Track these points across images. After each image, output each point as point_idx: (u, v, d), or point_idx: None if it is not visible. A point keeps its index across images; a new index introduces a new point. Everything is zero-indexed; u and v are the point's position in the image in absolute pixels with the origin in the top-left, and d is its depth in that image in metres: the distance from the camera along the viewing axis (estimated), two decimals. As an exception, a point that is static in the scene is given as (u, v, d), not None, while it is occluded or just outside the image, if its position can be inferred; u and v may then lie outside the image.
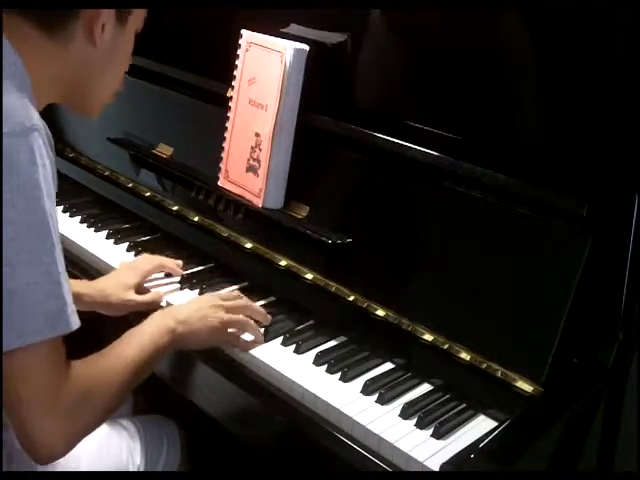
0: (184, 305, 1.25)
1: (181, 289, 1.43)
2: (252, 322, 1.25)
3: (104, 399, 1.00)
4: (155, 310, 1.21)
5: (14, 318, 0.88)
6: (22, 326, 0.89)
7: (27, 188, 0.88)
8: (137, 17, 1.07)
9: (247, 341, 1.24)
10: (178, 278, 1.46)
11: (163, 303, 1.39)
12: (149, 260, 1.45)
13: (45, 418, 0.92)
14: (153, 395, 1.48)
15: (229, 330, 1.23)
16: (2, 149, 0.87)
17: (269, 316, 1.30)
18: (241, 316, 1.24)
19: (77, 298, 1.32)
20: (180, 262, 1.48)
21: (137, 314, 1.42)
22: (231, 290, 1.42)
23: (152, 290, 1.42)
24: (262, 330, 1.27)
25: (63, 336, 0.93)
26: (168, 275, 1.47)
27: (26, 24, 0.97)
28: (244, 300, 1.28)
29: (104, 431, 1.22)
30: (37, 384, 0.91)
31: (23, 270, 0.88)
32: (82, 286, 1.35)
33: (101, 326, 1.52)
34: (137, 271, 1.41)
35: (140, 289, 1.40)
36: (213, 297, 1.27)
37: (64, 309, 0.91)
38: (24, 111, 0.91)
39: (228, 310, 1.23)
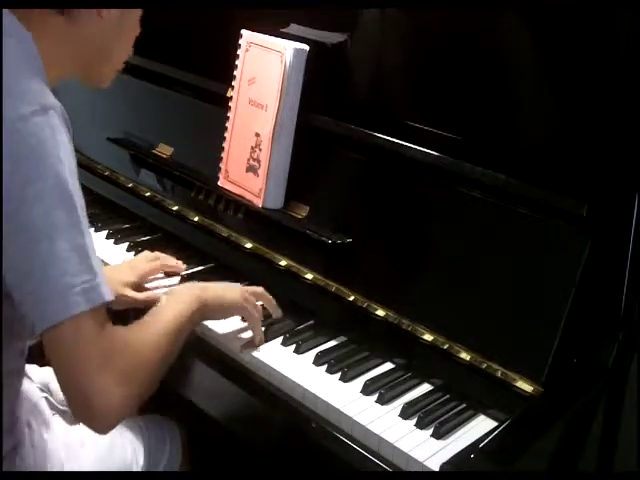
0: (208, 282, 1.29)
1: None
2: (266, 295, 1.30)
3: (148, 365, 1.02)
4: (149, 308, 1.22)
5: (53, 291, 0.90)
6: (59, 300, 0.90)
7: (51, 164, 0.90)
8: None
9: (258, 325, 1.26)
10: (178, 278, 1.46)
11: (145, 284, 1.43)
12: (149, 260, 1.45)
13: (101, 379, 0.93)
14: (155, 396, 1.48)
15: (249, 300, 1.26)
16: (2, 132, 0.89)
17: (280, 311, 1.32)
18: (259, 288, 1.30)
19: None
20: (181, 263, 1.49)
21: (136, 311, 1.43)
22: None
23: (151, 289, 1.41)
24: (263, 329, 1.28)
25: (105, 304, 0.95)
26: (168, 275, 1.47)
27: None
28: (260, 288, 1.32)
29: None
30: (88, 351, 0.93)
31: (59, 244, 0.90)
32: None
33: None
34: (136, 271, 1.41)
35: (138, 288, 1.40)
36: (236, 284, 1.32)
37: (96, 281, 0.93)
38: (40, 92, 0.94)
39: (249, 291, 1.28)
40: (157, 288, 1.43)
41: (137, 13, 1.10)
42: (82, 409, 0.96)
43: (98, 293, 0.93)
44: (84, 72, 1.10)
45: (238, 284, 1.30)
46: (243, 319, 1.30)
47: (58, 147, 0.92)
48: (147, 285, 1.43)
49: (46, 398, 1.22)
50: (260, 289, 1.31)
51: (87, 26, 1.03)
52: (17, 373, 1.08)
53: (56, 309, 0.90)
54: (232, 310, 1.26)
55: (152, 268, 1.44)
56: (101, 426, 0.98)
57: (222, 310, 1.24)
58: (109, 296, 0.95)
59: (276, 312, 1.31)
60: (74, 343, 0.92)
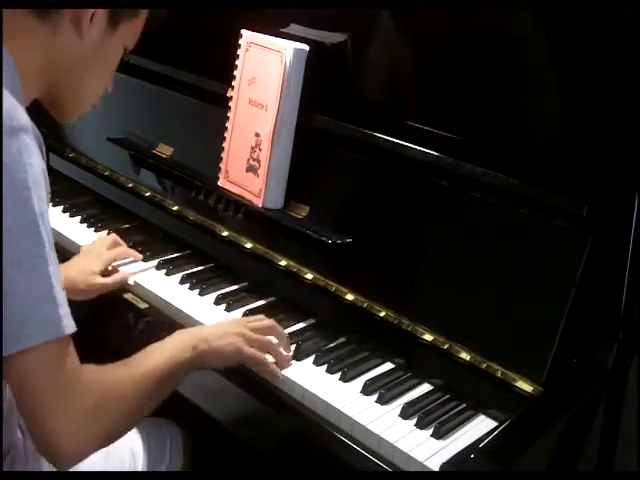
0: (208, 325, 1.25)
1: (180, 288, 1.43)
2: (275, 344, 1.20)
3: (121, 406, 0.99)
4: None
5: (11, 322, 0.87)
6: (18, 330, 0.87)
7: (15, 189, 0.86)
8: (129, 29, 1.04)
9: (270, 363, 1.18)
10: (179, 277, 1.46)
11: (131, 282, 1.44)
12: (110, 246, 1.48)
13: (59, 419, 0.91)
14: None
15: (251, 350, 1.17)
16: (2, 149, 0.86)
17: (291, 347, 1.24)
18: (265, 337, 1.19)
19: None
20: (138, 255, 1.52)
21: (136, 313, 1.43)
22: (231, 290, 1.42)
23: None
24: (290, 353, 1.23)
25: (69, 338, 0.92)
26: (168, 274, 1.47)
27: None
28: (270, 321, 1.24)
29: None
30: (45, 386, 0.90)
31: (17, 273, 0.87)
32: None
33: (102, 328, 1.53)
34: (101, 258, 1.44)
35: (105, 272, 1.43)
36: (238, 319, 1.26)
37: (57, 313, 0.89)
38: (12, 110, 0.89)
39: (252, 330, 1.19)
40: (157, 286, 1.44)
41: (117, 52, 1.05)
42: (40, 445, 0.93)
43: (58, 326, 0.89)
44: (51, 97, 1.05)
45: (242, 323, 1.20)
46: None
47: (25, 172, 0.87)
48: (147, 286, 1.43)
49: None
50: (268, 323, 1.22)
51: (65, 42, 0.98)
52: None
53: (11, 339, 0.87)
54: (233, 360, 1.17)
55: (116, 253, 1.47)
56: (60, 463, 0.95)
57: (221, 361, 1.16)
58: (70, 329, 0.91)
59: (287, 348, 1.22)
60: (30, 377, 0.89)
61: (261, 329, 1.20)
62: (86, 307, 1.56)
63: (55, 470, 1.12)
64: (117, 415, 0.98)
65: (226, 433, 1.28)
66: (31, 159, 0.88)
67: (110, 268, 1.46)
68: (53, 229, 1.71)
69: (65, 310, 0.90)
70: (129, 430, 1.04)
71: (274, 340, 1.21)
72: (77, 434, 0.92)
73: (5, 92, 0.90)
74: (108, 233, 1.63)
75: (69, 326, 0.90)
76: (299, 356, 1.23)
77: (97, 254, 1.44)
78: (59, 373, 0.90)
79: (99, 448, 0.98)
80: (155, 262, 1.52)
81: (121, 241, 1.52)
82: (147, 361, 1.05)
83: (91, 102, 1.09)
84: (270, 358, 1.18)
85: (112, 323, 1.56)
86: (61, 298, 0.90)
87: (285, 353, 1.21)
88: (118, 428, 1.01)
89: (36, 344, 0.87)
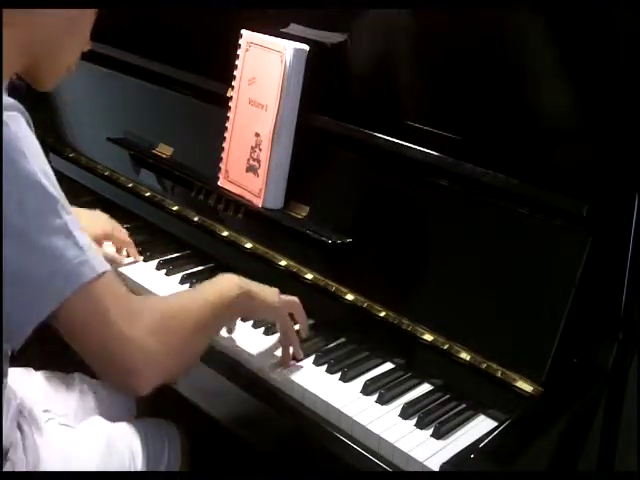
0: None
1: (180, 288, 1.43)
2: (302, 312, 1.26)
3: (182, 330, 1.02)
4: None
5: (46, 278, 0.89)
6: (55, 282, 0.90)
7: (9, 159, 0.88)
8: None
9: (295, 337, 1.23)
10: (179, 277, 1.46)
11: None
12: (110, 221, 1.52)
13: (129, 346, 0.94)
14: (154, 398, 1.48)
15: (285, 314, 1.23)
16: (2, 139, 0.87)
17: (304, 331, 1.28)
18: (295, 298, 1.25)
19: None
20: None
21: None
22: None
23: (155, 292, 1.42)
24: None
25: (108, 275, 0.94)
26: (168, 274, 1.47)
27: None
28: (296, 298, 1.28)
29: (105, 435, 1.21)
30: (105, 322, 0.93)
31: (38, 233, 0.89)
32: None
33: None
34: (103, 229, 1.48)
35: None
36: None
37: (86, 255, 0.92)
38: None
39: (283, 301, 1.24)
40: (157, 286, 1.44)
41: (90, 15, 1.06)
42: (119, 376, 0.97)
43: (90, 266, 0.92)
44: (32, 69, 1.05)
45: (276, 291, 1.25)
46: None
47: (17, 140, 0.89)
48: (147, 286, 1.44)
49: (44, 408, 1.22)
50: (295, 299, 1.26)
51: (38, 16, 0.99)
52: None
53: (49, 297, 0.90)
54: (271, 313, 1.23)
55: (118, 237, 1.51)
56: (144, 385, 0.98)
57: (261, 308, 1.21)
58: (103, 267, 0.93)
59: (304, 331, 1.27)
60: (87, 317, 0.92)
61: (291, 303, 1.25)
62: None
63: (55, 470, 1.13)
64: (180, 336, 1.02)
65: (225, 433, 1.28)
66: (20, 130, 0.90)
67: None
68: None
69: (93, 252, 0.93)
70: (189, 363, 1.07)
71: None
72: (150, 351, 0.96)
73: None
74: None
75: (101, 266, 0.93)
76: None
77: (99, 223, 1.48)
78: (110, 307, 0.93)
79: (170, 375, 1.02)
80: (155, 262, 1.52)
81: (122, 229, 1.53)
82: (200, 294, 1.10)
83: (69, 66, 1.09)
84: None
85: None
86: (86, 242, 0.93)
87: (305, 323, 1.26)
88: (183, 350, 1.03)
89: (74, 290, 0.90)
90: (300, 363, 1.22)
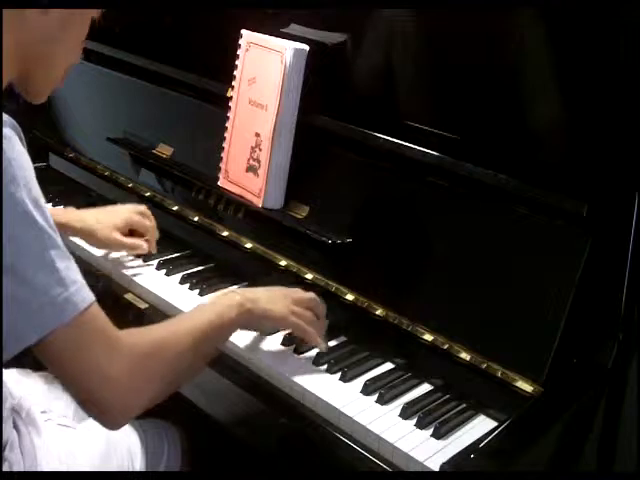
0: (256, 289, 1.26)
1: (180, 288, 1.43)
2: (316, 323, 1.23)
3: (165, 364, 1.01)
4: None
5: (28, 310, 0.89)
6: (37, 318, 0.89)
7: (5, 186, 0.86)
8: None
9: (314, 334, 1.20)
10: (179, 277, 1.46)
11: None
12: (136, 207, 1.52)
13: (108, 383, 0.93)
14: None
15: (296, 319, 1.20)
16: (2, 150, 0.87)
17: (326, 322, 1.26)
18: (307, 313, 1.22)
19: (64, 226, 1.38)
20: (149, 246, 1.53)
21: (136, 313, 1.43)
22: (232, 289, 1.42)
23: (150, 288, 1.42)
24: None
25: (92, 308, 0.93)
26: (168, 274, 1.47)
27: None
28: (312, 294, 1.26)
29: (104, 436, 1.21)
30: (85, 357, 0.92)
31: (23, 264, 0.88)
32: (71, 216, 1.46)
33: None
34: (124, 215, 1.48)
35: (125, 234, 1.47)
36: (285, 288, 1.27)
37: (69, 292, 0.90)
38: None
39: (295, 302, 1.22)
40: (156, 285, 1.44)
41: (84, 24, 1.04)
42: (94, 410, 0.96)
43: (72, 305, 0.90)
44: (24, 79, 1.03)
45: (287, 293, 1.23)
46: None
47: (10, 166, 0.87)
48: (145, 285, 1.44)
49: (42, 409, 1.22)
50: (311, 296, 1.24)
51: (31, 19, 0.97)
52: None
53: (33, 327, 0.89)
54: (279, 324, 1.22)
55: (141, 220, 1.50)
56: (116, 423, 0.98)
57: (267, 324, 1.20)
58: (86, 302, 0.92)
59: (322, 345, 1.23)
60: (64, 355, 0.91)
61: (304, 301, 1.23)
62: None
63: (55, 470, 1.12)
64: (163, 372, 1.00)
65: (225, 433, 1.28)
66: (13, 152, 0.88)
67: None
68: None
69: (77, 286, 0.91)
70: (177, 387, 1.06)
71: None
72: (126, 392, 0.95)
73: None
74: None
75: (84, 301, 0.92)
76: (299, 355, 1.24)
77: (122, 213, 1.48)
78: (92, 342, 0.92)
79: (149, 405, 1.00)
80: (155, 262, 1.52)
81: (150, 216, 1.53)
82: (190, 320, 1.08)
83: (61, 77, 1.07)
84: None
85: (112, 323, 1.55)
86: (70, 276, 0.91)
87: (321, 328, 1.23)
88: (166, 383, 1.02)
89: (54, 329, 0.89)
90: (300, 363, 1.22)
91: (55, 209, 1.66)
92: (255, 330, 1.23)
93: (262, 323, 1.20)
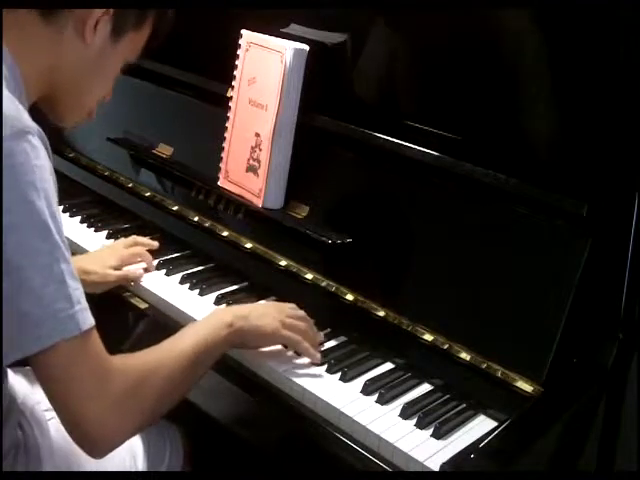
0: (244, 305, 1.27)
1: (180, 288, 1.43)
2: (308, 330, 1.23)
3: (154, 391, 1.00)
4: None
5: (28, 321, 0.88)
6: (35, 329, 0.88)
7: (24, 192, 0.87)
8: (132, 40, 1.05)
9: (307, 346, 1.21)
10: (179, 277, 1.46)
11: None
12: (128, 245, 1.49)
13: (95, 408, 0.93)
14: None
15: (288, 332, 1.20)
16: (2, 152, 0.87)
17: (321, 335, 1.26)
18: (300, 323, 1.22)
19: None
20: (156, 244, 1.52)
21: (136, 313, 1.43)
22: (231, 290, 1.42)
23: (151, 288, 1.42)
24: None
25: (91, 331, 0.93)
26: (168, 274, 1.47)
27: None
28: (303, 313, 1.26)
29: None
30: (72, 380, 0.92)
31: (32, 274, 0.88)
32: None
33: (102, 328, 1.52)
34: (117, 253, 1.45)
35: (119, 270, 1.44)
36: (278, 303, 1.28)
37: (72, 311, 0.90)
38: (16, 113, 0.90)
39: (288, 316, 1.22)
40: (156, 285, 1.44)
41: (118, 62, 1.06)
42: (75, 434, 0.96)
43: (74, 324, 0.90)
44: (50, 100, 1.05)
45: (280, 307, 1.24)
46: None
47: (33, 173, 0.88)
48: (147, 286, 1.44)
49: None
50: (302, 313, 1.25)
51: (68, 46, 0.99)
52: None
53: (31, 339, 0.88)
54: (271, 339, 1.21)
55: (132, 253, 1.47)
56: (95, 452, 0.98)
57: (259, 340, 1.20)
58: (86, 325, 0.91)
59: (316, 345, 1.23)
60: (56, 372, 0.91)
61: (295, 317, 1.23)
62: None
63: (55, 470, 1.13)
64: (151, 401, 1.00)
65: (226, 433, 1.28)
66: (38, 160, 0.89)
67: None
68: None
69: (81, 306, 0.91)
70: (166, 411, 1.05)
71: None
72: (109, 423, 0.94)
73: (10, 95, 0.91)
74: (108, 233, 1.63)
75: (86, 322, 0.92)
76: (299, 356, 1.23)
77: (115, 250, 1.47)
78: (84, 366, 0.92)
79: (135, 433, 1.01)
80: (155, 262, 1.52)
81: (143, 240, 1.52)
82: (181, 343, 1.07)
83: (88, 109, 1.09)
84: None
85: (112, 323, 1.55)
86: (76, 295, 0.91)
87: (316, 340, 1.24)
88: (153, 412, 1.02)
89: (54, 343, 0.89)
90: (300, 363, 1.22)
91: None
92: (249, 347, 1.21)
93: (254, 340, 1.19)
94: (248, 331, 1.16)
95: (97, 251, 1.50)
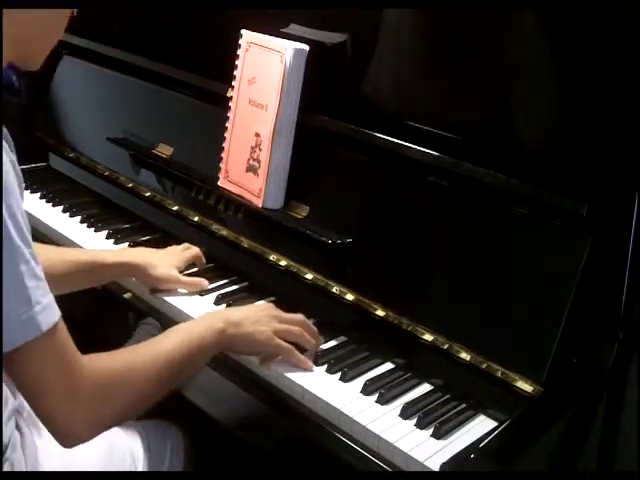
0: (238, 309, 1.26)
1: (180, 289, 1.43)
2: (304, 335, 1.21)
3: (129, 392, 1.00)
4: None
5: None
6: (6, 330, 0.87)
7: None
8: None
9: (298, 357, 1.19)
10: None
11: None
12: (180, 247, 1.49)
13: (64, 407, 0.92)
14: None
15: (279, 341, 1.19)
16: (2, 157, 0.86)
17: (321, 340, 1.25)
18: (295, 327, 1.21)
19: (122, 265, 1.37)
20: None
21: (136, 314, 1.43)
22: (231, 290, 1.42)
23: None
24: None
25: (57, 329, 0.91)
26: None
27: None
28: (301, 316, 1.24)
29: (106, 437, 1.21)
30: (43, 380, 0.91)
31: None
32: (132, 255, 1.43)
33: (102, 328, 1.53)
34: (178, 255, 1.45)
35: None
36: (271, 307, 1.25)
37: (33, 312, 0.88)
38: None
39: (282, 321, 1.21)
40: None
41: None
42: (47, 428, 0.96)
43: (35, 325, 0.88)
44: (20, 56, 0.99)
45: (275, 314, 1.22)
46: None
47: None
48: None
49: None
50: (299, 317, 1.23)
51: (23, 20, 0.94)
52: None
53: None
54: (263, 349, 1.19)
55: (194, 254, 1.47)
56: (66, 446, 0.97)
57: (250, 347, 1.19)
58: (47, 325, 0.89)
59: (316, 344, 1.23)
60: (25, 372, 0.90)
61: (292, 321, 1.22)
62: (86, 307, 1.56)
63: (55, 470, 1.12)
64: (123, 399, 0.99)
65: (226, 433, 1.28)
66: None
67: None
68: (53, 229, 1.72)
69: (43, 305, 0.89)
70: (146, 408, 1.04)
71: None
72: (78, 421, 0.94)
73: None
74: (108, 233, 1.63)
75: (45, 322, 0.90)
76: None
77: (176, 253, 1.46)
78: (51, 366, 0.91)
79: (109, 428, 1.00)
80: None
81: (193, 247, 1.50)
82: (163, 346, 1.06)
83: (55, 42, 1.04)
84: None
85: (112, 323, 1.56)
86: (36, 295, 0.89)
87: (313, 342, 1.22)
88: (128, 410, 1.01)
89: (19, 345, 0.88)
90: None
91: (109, 251, 1.55)
92: (240, 353, 1.21)
93: (245, 347, 1.18)
94: (239, 339, 1.15)
95: (162, 251, 1.46)
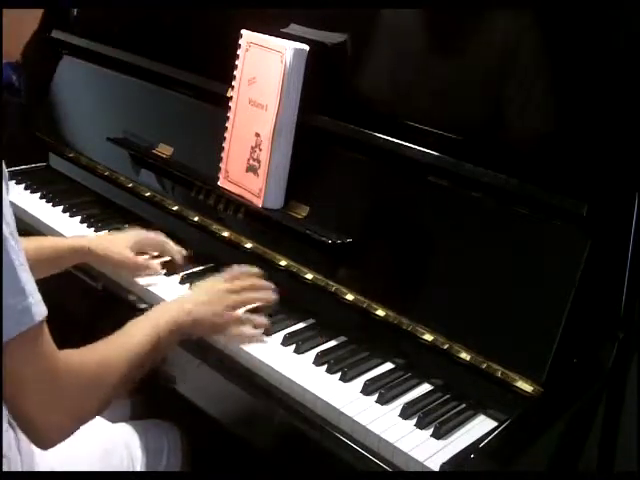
0: (192, 294, 1.27)
1: (180, 289, 1.43)
2: (259, 298, 1.26)
3: (104, 387, 1.00)
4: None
5: None
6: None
7: None
8: None
9: (249, 335, 1.23)
10: (178, 278, 1.46)
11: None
12: (146, 231, 1.50)
13: (43, 405, 0.92)
14: (153, 398, 1.48)
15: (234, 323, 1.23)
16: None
17: (274, 295, 1.28)
18: (248, 296, 1.25)
19: (79, 251, 1.39)
20: (183, 251, 1.50)
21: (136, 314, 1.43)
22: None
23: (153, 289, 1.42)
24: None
25: (42, 324, 0.92)
26: (168, 274, 1.47)
27: None
28: (247, 275, 1.28)
29: (104, 437, 1.21)
30: (23, 373, 0.91)
31: None
32: (85, 240, 1.44)
33: (102, 328, 1.52)
34: (136, 236, 1.47)
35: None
36: (219, 282, 1.27)
37: (27, 303, 0.89)
38: None
39: (234, 291, 1.24)
40: (157, 285, 1.43)
41: None
42: (27, 433, 0.95)
43: (29, 316, 0.89)
44: None
45: (222, 288, 1.25)
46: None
47: None
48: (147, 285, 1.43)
49: None
50: (247, 283, 1.27)
51: None
52: None
53: None
54: (215, 331, 1.23)
55: (154, 239, 1.48)
56: (42, 445, 0.97)
57: (204, 331, 1.22)
58: (39, 316, 0.90)
59: (268, 298, 1.27)
60: (9, 366, 0.90)
61: (243, 287, 1.25)
62: (85, 307, 1.56)
63: (55, 470, 1.12)
64: (101, 395, 1.00)
65: (225, 433, 1.28)
66: None
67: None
68: (53, 229, 1.72)
69: (34, 298, 0.90)
70: (106, 407, 1.05)
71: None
72: (54, 422, 0.94)
73: None
74: (108, 233, 1.63)
75: (39, 313, 0.90)
76: (299, 356, 1.24)
77: (135, 233, 1.48)
78: (36, 359, 0.91)
79: (80, 427, 0.99)
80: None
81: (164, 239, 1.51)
82: (130, 340, 1.07)
83: None
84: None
85: (112, 323, 1.55)
86: (29, 287, 0.89)
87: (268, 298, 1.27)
88: (99, 408, 1.02)
89: (11, 337, 0.88)
90: (300, 363, 1.22)
91: (70, 237, 1.58)
92: (203, 336, 1.24)
93: (205, 331, 1.22)
94: (194, 324, 1.17)
95: (118, 233, 1.51)
